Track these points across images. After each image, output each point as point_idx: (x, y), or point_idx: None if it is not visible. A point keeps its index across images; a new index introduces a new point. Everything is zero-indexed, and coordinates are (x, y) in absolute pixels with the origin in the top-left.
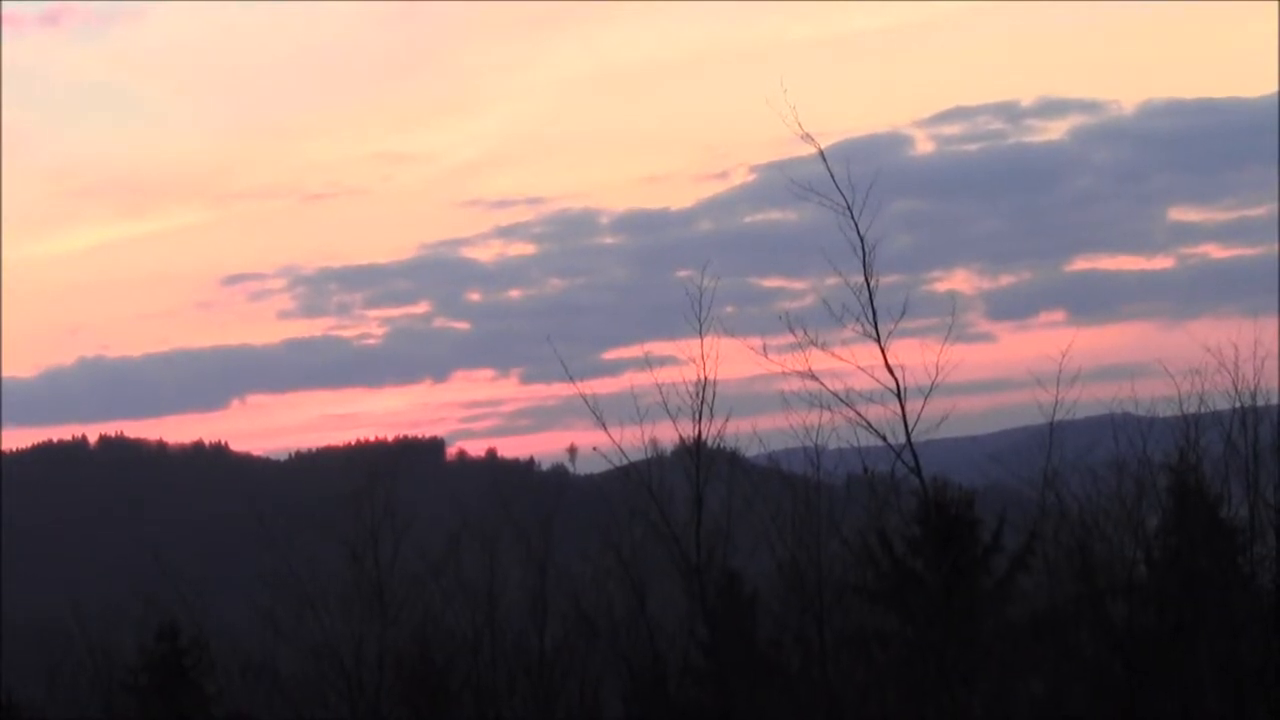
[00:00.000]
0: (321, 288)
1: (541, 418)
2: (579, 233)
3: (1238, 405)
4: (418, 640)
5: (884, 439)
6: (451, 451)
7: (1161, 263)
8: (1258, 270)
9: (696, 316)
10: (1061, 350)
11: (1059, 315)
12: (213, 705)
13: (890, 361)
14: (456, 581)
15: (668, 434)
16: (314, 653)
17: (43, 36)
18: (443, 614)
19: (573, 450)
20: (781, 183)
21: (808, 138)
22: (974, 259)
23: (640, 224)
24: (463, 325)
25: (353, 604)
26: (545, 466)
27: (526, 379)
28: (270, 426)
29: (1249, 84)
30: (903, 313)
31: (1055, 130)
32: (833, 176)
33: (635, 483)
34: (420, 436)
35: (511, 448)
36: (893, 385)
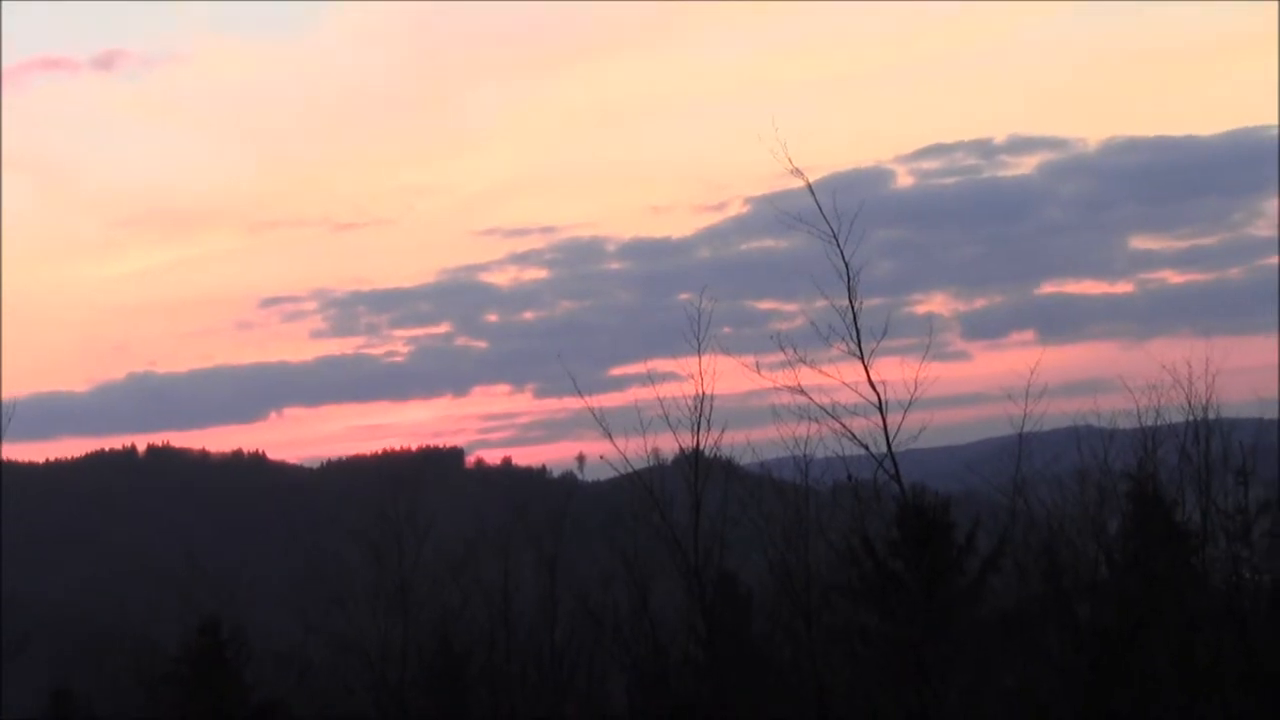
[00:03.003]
0: (351, 309)
1: (553, 429)
2: (588, 259)
3: (1191, 419)
4: (438, 635)
5: (867, 449)
6: (470, 460)
7: (1122, 287)
8: (1211, 294)
9: (695, 336)
10: (1030, 367)
11: (1028, 335)
12: (247, 692)
13: (873, 378)
14: (474, 580)
15: (668, 444)
16: (342, 646)
17: (96, 78)
18: (461, 611)
19: (581, 459)
20: (773, 213)
21: (797, 172)
22: (950, 283)
23: (644, 251)
24: (481, 344)
25: (378, 601)
26: (556, 474)
27: (539, 393)
28: (304, 437)
29: (1203, 124)
30: (884, 333)
31: (1025, 165)
32: (820, 208)
33: (638, 489)
34: (442, 446)
35: (525, 457)
36: (875, 400)
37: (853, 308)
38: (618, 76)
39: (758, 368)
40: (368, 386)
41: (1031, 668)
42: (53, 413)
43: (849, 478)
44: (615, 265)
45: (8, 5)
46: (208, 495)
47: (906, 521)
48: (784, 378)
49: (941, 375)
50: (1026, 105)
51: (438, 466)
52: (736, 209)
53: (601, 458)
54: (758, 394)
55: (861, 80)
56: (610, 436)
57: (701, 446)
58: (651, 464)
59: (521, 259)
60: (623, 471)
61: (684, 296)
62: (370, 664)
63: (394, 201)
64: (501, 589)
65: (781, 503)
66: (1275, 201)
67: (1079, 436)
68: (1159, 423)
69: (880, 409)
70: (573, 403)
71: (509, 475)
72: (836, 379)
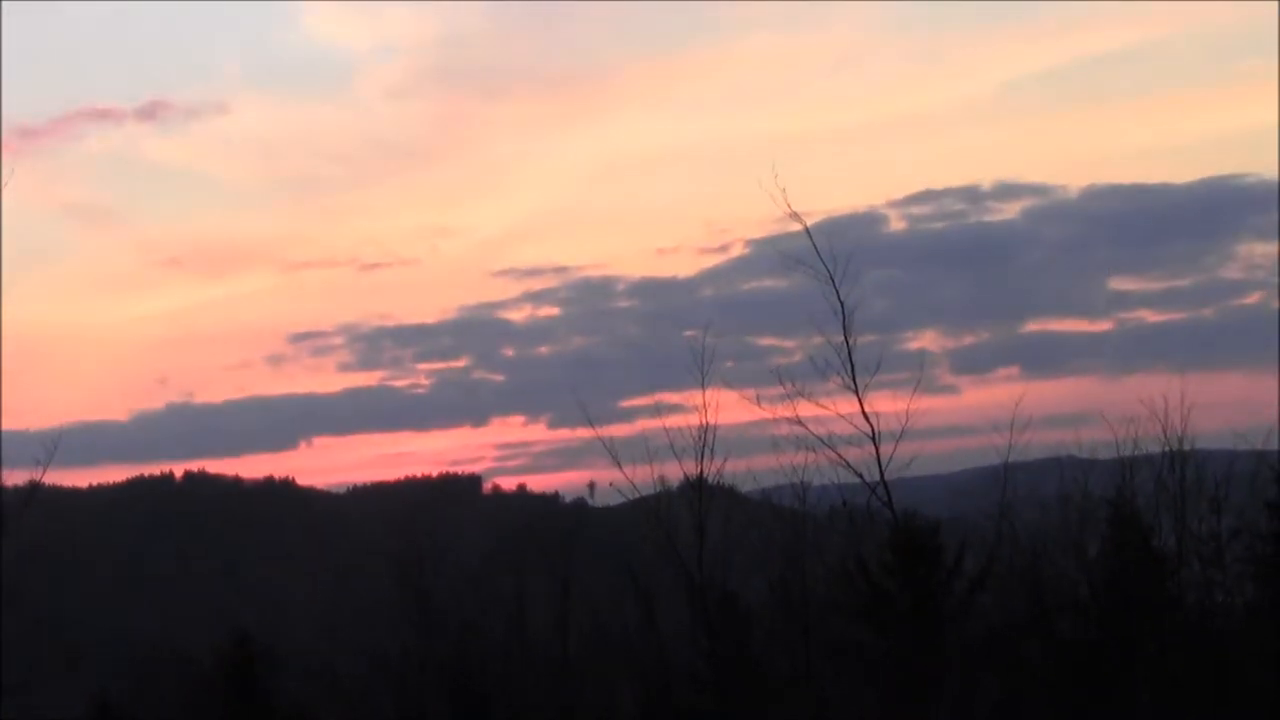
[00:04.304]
0: (376, 344)
1: (565, 457)
2: (599, 297)
3: (1167, 450)
4: (456, 648)
5: (861, 477)
6: (487, 486)
7: (1102, 325)
8: (1185, 333)
9: (700, 370)
10: (1015, 401)
11: (1013, 370)
12: (277, 702)
13: (867, 410)
14: (491, 597)
15: (674, 472)
16: (366, 658)
17: (139, 127)
18: (479, 625)
19: (592, 486)
20: (773, 255)
21: (796, 216)
22: (940, 321)
23: (652, 290)
24: (498, 377)
25: (401, 616)
26: (568, 500)
27: (553, 424)
28: (332, 464)
29: (1177, 172)
30: (878, 367)
31: (1010, 210)
32: (817, 250)
33: (646, 514)
34: (461, 473)
35: (539, 483)
36: (869, 430)
37: (848, 344)
38: (626, 128)
39: (758, 400)
40: (391, 416)
41: (1015, 680)
42: (96, 441)
43: (844, 504)
44: (624, 303)
45: (60, 60)
46: (241, 519)
47: (899, 544)
48: (783, 410)
49: (931, 408)
50: (1012, 154)
51: (457, 492)
52: (738, 251)
53: (611, 484)
54: (758, 425)
55: (856, 131)
56: (620, 464)
57: (705, 474)
58: (658, 490)
59: (536, 297)
60: (631, 497)
61: (689, 333)
62: (393, 674)
63: (417, 243)
64: (517, 605)
65: (781, 527)
66: (1245, 246)
67: (1061, 465)
68: (1136, 453)
69: (874, 439)
70: (584, 433)
71: (524, 501)
72: (833, 411)
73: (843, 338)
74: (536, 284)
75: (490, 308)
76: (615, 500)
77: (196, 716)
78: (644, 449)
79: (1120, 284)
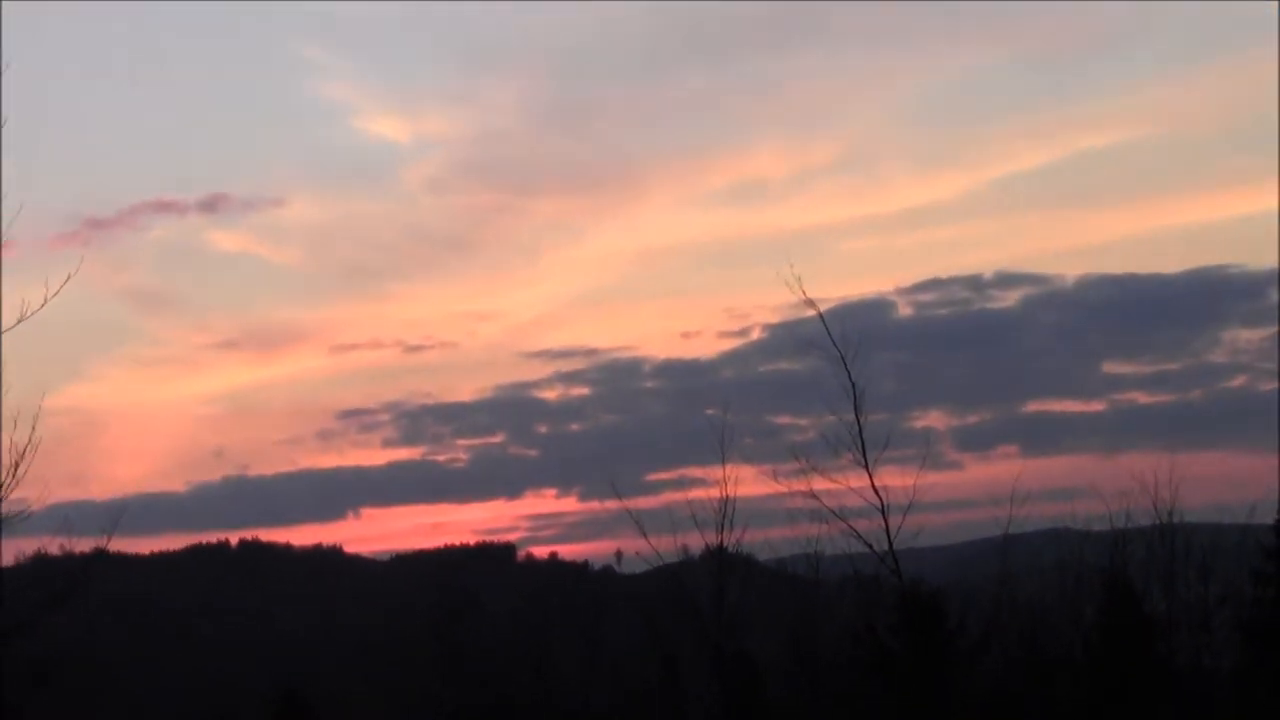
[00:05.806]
0: (418, 421)
1: (595, 528)
2: (626, 378)
3: (1157, 522)
4: (491, 701)
5: (871, 547)
6: (521, 554)
7: (1096, 406)
8: (1174, 414)
9: (720, 446)
10: (1015, 476)
11: (1013, 448)
12: None
13: (876, 484)
14: (522, 656)
15: (696, 542)
16: (406, 712)
17: (200, 219)
18: (511, 682)
19: (619, 554)
20: (789, 339)
21: (810, 302)
22: (945, 401)
23: (676, 371)
24: (532, 452)
25: (439, 673)
26: (597, 567)
27: (583, 496)
28: (377, 533)
29: (1167, 262)
30: (886, 444)
31: (1010, 298)
32: (830, 334)
33: (669, 580)
34: (496, 542)
35: (570, 552)
36: (878, 504)
37: (858, 422)
38: (652, 220)
39: (775, 475)
40: (432, 489)
41: None
42: (156, 511)
43: (854, 572)
44: (650, 383)
45: (129, 155)
46: (292, 584)
47: (906, 609)
48: (798, 484)
49: (937, 482)
50: (1011, 245)
51: (492, 560)
52: (757, 335)
53: (637, 553)
54: (775, 498)
55: (866, 222)
56: (645, 535)
57: (725, 544)
58: (681, 559)
59: (568, 377)
60: (656, 565)
61: (710, 411)
62: None
63: (457, 327)
64: (548, 663)
65: (794, 593)
66: (1230, 332)
67: (1058, 536)
68: (1129, 525)
69: (883, 512)
70: (613, 505)
71: (555, 568)
72: (844, 485)
73: (854, 416)
74: (568, 365)
75: (524, 387)
76: (641, 568)
77: None
78: (668, 520)
79: (1113, 367)
